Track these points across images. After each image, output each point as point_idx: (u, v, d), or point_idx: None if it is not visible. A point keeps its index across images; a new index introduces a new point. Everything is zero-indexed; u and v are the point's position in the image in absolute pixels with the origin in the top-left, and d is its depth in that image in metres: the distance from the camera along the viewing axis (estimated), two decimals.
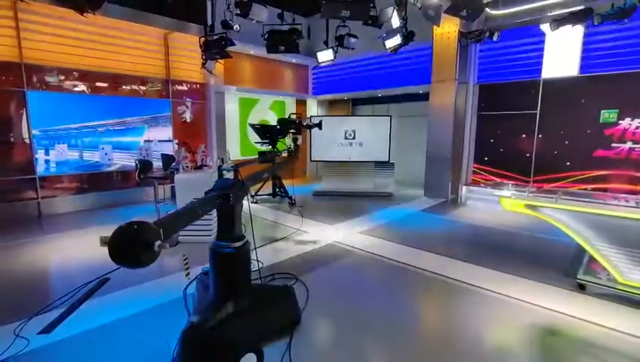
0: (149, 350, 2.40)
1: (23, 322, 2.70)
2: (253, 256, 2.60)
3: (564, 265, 3.65)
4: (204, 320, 2.17)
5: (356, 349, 2.48)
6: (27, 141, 5.87)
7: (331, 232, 5.16)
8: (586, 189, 6.28)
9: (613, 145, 6.00)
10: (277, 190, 7.46)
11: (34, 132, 5.90)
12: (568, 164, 6.49)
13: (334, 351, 2.48)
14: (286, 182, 7.43)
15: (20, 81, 5.70)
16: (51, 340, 2.50)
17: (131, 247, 1.34)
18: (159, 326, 2.70)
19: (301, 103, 10.87)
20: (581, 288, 3.25)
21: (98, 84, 6.59)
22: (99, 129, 6.66)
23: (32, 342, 2.46)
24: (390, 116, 7.89)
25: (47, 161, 6.12)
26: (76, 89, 6.35)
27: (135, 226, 1.35)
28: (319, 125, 3.73)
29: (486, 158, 7.63)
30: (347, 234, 5.05)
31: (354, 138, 7.97)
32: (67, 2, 5.24)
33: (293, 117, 3.50)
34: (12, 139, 5.76)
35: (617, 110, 5.93)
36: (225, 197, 2.21)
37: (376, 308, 3.05)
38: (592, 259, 3.36)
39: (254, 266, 2.56)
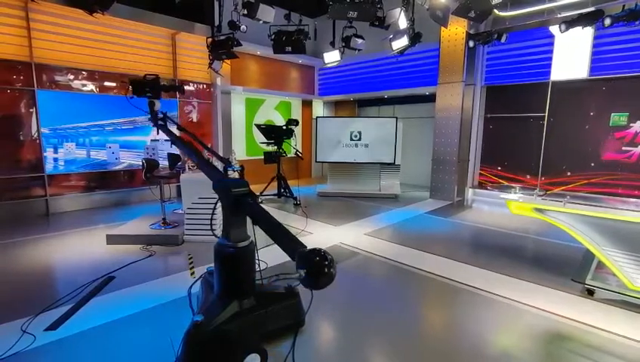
0: (153, 348, 2.41)
1: (30, 318, 2.72)
2: (257, 256, 2.60)
3: (572, 270, 3.60)
4: (209, 320, 2.17)
5: (360, 351, 2.46)
6: (36, 139, 5.95)
7: (336, 233, 5.15)
8: (595, 193, 6.20)
9: (623, 148, 5.91)
10: (282, 190, 7.46)
11: (43, 130, 5.98)
12: (577, 167, 6.42)
13: (338, 352, 2.47)
14: (291, 183, 7.44)
15: (30, 80, 5.78)
16: (57, 337, 2.52)
17: (331, 271, 1.47)
18: (163, 325, 2.70)
19: (307, 104, 10.89)
20: (589, 293, 3.20)
21: (106, 83, 6.66)
22: (107, 128, 6.72)
23: (39, 339, 2.48)
24: (396, 118, 7.86)
25: (55, 160, 6.19)
26: (85, 88, 6.42)
27: (327, 253, 1.49)
28: (180, 89, 3.41)
29: (493, 161, 7.58)
30: (352, 236, 5.03)
31: (360, 139, 7.95)
32: (77, 3, 5.32)
33: (150, 78, 3.06)
34: (22, 138, 5.84)
35: (627, 113, 5.85)
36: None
37: (381, 310, 3.03)
38: (600, 264, 3.31)
39: (258, 266, 2.56)
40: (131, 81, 3.01)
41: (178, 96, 7.57)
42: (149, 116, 3.06)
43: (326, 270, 1.44)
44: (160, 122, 2.94)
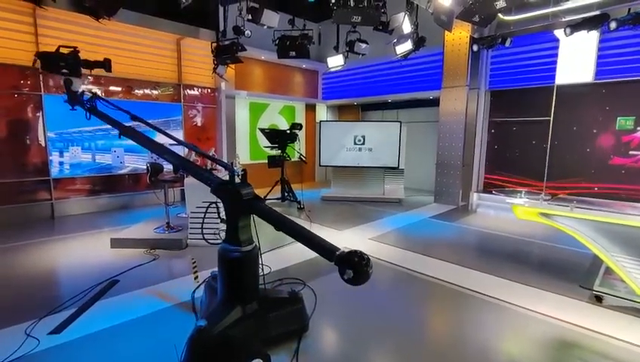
0: (157, 353, 2.40)
1: (34, 322, 2.73)
2: (260, 260, 2.59)
3: (580, 276, 3.55)
4: (212, 325, 2.16)
5: (364, 357, 2.44)
6: (42, 143, 6.00)
7: (340, 238, 5.12)
8: (602, 197, 6.12)
9: (631, 152, 5.85)
10: (285, 194, 7.46)
11: (49, 134, 6.03)
12: (583, 171, 6.35)
13: (342, 358, 2.44)
14: (295, 187, 7.43)
15: (38, 85, 5.85)
16: (61, 341, 2.52)
17: (368, 271, 1.63)
18: (167, 330, 2.69)
19: (311, 108, 10.91)
20: (598, 300, 3.15)
21: (112, 88, 6.72)
22: (112, 132, 6.76)
23: (43, 342, 2.48)
24: (400, 122, 7.85)
25: (61, 163, 6.24)
26: (90, 93, 6.46)
27: (363, 254, 1.64)
28: (106, 65, 2.90)
29: (498, 165, 7.52)
30: (356, 240, 5.01)
31: (363, 143, 7.95)
32: (84, 9, 5.38)
33: (64, 51, 2.51)
34: (28, 142, 5.89)
35: (634, 117, 5.79)
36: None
37: (385, 315, 3.00)
38: (608, 270, 3.26)
39: (262, 271, 2.55)
40: (39, 54, 2.47)
41: (183, 100, 7.62)
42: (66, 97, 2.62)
43: (365, 269, 1.60)
44: (87, 105, 2.56)
